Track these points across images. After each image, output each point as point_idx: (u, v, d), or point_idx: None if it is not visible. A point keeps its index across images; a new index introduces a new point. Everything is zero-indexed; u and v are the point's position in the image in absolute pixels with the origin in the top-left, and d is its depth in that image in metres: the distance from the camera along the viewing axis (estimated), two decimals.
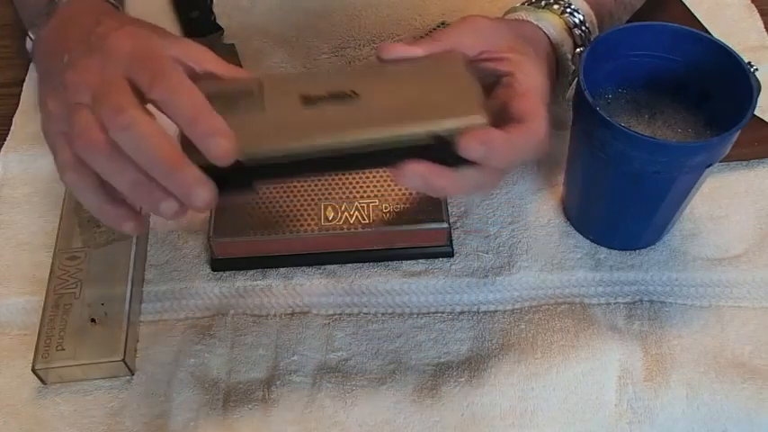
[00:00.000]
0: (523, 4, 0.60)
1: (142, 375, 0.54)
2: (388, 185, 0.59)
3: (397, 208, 0.58)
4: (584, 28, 0.58)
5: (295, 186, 0.59)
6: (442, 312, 0.57)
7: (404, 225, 0.58)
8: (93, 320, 0.54)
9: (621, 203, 0.57)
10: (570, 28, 0.57)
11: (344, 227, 0.57)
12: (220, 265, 0.59)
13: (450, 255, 0.59)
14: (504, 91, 0.49)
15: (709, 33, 0.63)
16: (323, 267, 0.59)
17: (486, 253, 0.60)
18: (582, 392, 0.53)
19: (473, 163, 0.45)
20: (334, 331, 0.56)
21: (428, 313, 0.57)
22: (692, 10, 0.73)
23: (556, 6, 0.58)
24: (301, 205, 0.58)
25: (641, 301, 0.57)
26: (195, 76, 0.46)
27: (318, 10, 0.76)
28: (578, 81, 0.52)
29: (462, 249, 0.60)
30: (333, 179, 0.60)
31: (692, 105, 0.56)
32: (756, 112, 0.55)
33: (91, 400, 0.53)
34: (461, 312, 0.57)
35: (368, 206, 0.58)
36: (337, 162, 0.45)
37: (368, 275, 0.58)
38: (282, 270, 0.59)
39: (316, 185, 0.59)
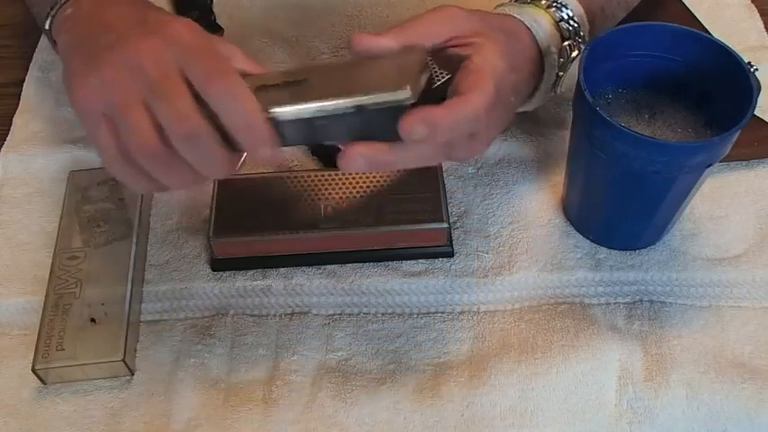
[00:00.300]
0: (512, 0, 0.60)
1: (142, 375, 0.54)
2: (389, 185, 0.59)
3: (397, 208, 0.58)
4: (572, 23, 0.57)
5: (295, 186, 0.59)
6: (442, 312, 0.57)
7: (404, 225, 0.58)
8: (93, 320, 0.54)
9: (621, 203, 0.57)
10: (557, 22, 0.57)
11: (344, 226, 0.57)
12: (220, 265, 0.59)
13: (451, 255, 0.59)
14: (458, 72, 0.50)
15: (709, 33, 0.63)
16: (323, 267, 0.59)
17: (486, 253, 0.60)
18: (582, 392, 0.53)
19: None
20: (334, 331, 0.56)
21: (428, 313, 0.57)
22: (692, 10, 0.73)
23: (543, 1, 0.58)
24: (301, 205, 0.58)
25: (641, 301, 0.57)
26: None
27: (318, 10, 0.76)
28: (578, 81, 0.52)
29: (462, 249, 0.60)
30: (332, 178, 0.60)
31: (692, 105, 0.56)
32: (756, 112, 0.55)
33: (91, 400, 0.53)
34: (461, 312, 0.57)
35: (368, 206, 0.58)
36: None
37: (368, 275, 0.58)
38: (282, 270, 0.59)
39: (315, 185, 0.59)
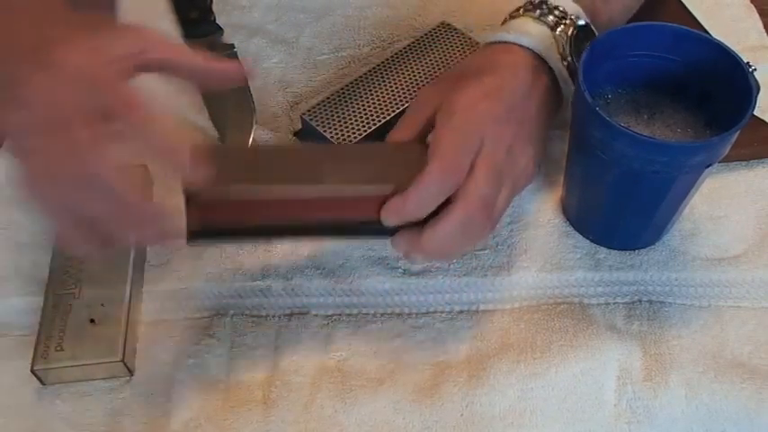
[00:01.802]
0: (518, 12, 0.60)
1: (141, 376, 0.54)
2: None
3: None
4: (556, 12, 0.57)
5: (286, 155, 0.53)
6: (441, 312, 0.57)
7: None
8: (92, 321, 0.54)
9: (621, 203, 0.57)
10: (537, 18, 0.57)
11: (344, 186, 0.51)
12: (196, 235, 0.51)
13: None
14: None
15: (709, 33, 0.63)
16: (322, 267, 0.59)
17: (486, 252, 0.60)
18: (581, 392, 0.53)
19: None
20: (334, 331, 0.56)
21: (427, 313, 0.57)
22: (692, 10, 0.73)
23: (537, 12, 0.57)
24: (293, 163, 0.52)
25: (640, 301, 0.57)
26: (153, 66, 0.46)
27: (318, 10, 0.76)
28: (578, 81, 0.52)
29: None
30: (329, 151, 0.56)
31: (692, 105, 0.56)
32: (756, 112, 0.55)
33: (90, 400, 0.53)
34: (460, 312, 0.57)
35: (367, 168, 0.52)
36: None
37: (367, 275, 0.58)
38: (282, 270, 0.59)
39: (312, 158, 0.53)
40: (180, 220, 0.47)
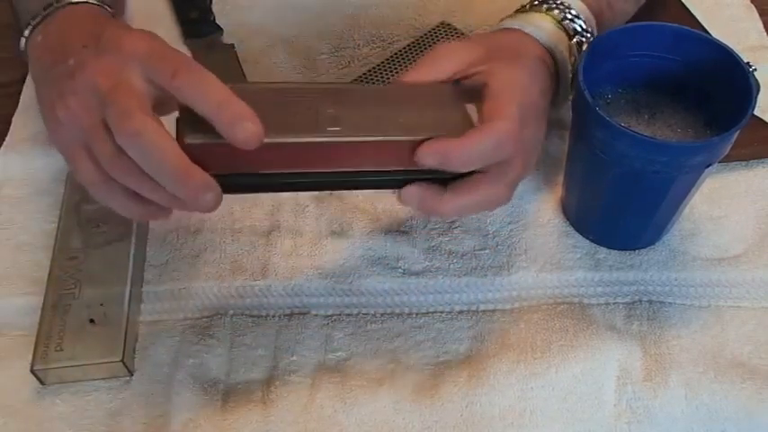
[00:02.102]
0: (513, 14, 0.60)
1: (141, 376, 0.54)
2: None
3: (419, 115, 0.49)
4: (577, 21, 0.58)
5: (291, 96, 0.49)
6: (441, 312, 0.57)
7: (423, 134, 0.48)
8: (92, 321, 0.54)
9: (621, 203, 0.57)
10: (560, 21, 0.57)
11: (353, 132, 0.47)
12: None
13: None
14: (483, 103, 0.51)
15: (709, 33, 0.63)
16: (322, 267, 0.59)
17: (486, 252, 0.60)
18: (581, 392, 0.53)
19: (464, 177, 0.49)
20: (334, 331, 0.56)
21: (427, 313, 0.57)
22: (692, 10, 0.73)
23: (544, 6, 0.58)
24: (297, 109, 0.48)
25: (640, 301, 0.57)
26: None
27: (318, 10, 0.76)
28: (578, 81, 0.52)
29: (461, 249, 0.60)
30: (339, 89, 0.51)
31: (692, 105, 0.56)
32: (756, 112, 0.55)
33: (90, 400, 0.53)
34: (460, 312, 0.57)
35: (384, 115, 0.49)
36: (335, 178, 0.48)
37: (367, 275, 0.58)
38: (282, 270, 0.59)
39: (317, 96, 0.49)
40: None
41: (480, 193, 0.50)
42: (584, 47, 0.58)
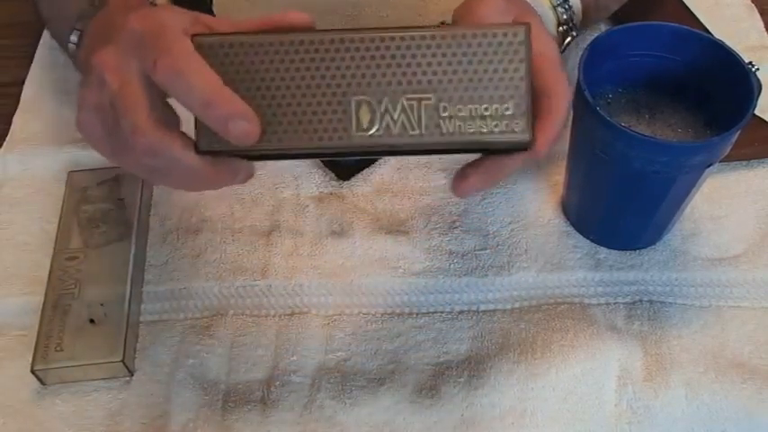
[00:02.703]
0: None
1: (141, 376, 0.54)
2: (451, 70, 0.42)
3: (460, 109, 0.42)
4: (566, 6, 0.57)
5: (312, 76, 0.42)
6: (442, 312, 0.57)
7: (470, 136, 0.42)
8: (92, 321, 0.54)
9: (621, 203, 0.57)
10: (554, 6, 0.57)
11: (384, 136, 0.42)
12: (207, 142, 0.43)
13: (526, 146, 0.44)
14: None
15: (709, 33, 0.63)
16: (322, 267, 0.59)
17: (486, 252, 0.60)
18: (581, 392, 0.53)
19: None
20: (334, 331, 0.56)
21: (427, 313, 0.57)
22: (692, 9, 0.73)
23: None
24: (321, 103, 0.42)
25: (641, 301, 0.57)
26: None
27: (318, 10, 0.76)
28: (578, 81, 0.52)
29: (461, 249, 0.60)
30: (367, 60, 0.42)
31: (692, 105, 0.56)
32: (756, 112, 0.55)
33: (90, 400, 0.53)
34: (461, 312, 0.57)
35: (419, 104, 0.42)
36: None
37: (367, 275, 0.58)
38: (282, 270, 0.59)
39: (342, 72, 0.42)
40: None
41: (516, 163, 0.46)
42: (567, 38, 0.57)
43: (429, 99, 0.42)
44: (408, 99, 0.42)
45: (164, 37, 0.40)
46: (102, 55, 0.42)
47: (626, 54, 0.57)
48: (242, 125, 0.40)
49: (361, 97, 0.42)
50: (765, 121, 0.64)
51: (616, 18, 0.71)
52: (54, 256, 0.57)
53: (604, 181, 0.56)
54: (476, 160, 0.45)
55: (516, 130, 0.42)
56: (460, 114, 0.42)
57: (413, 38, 0.41)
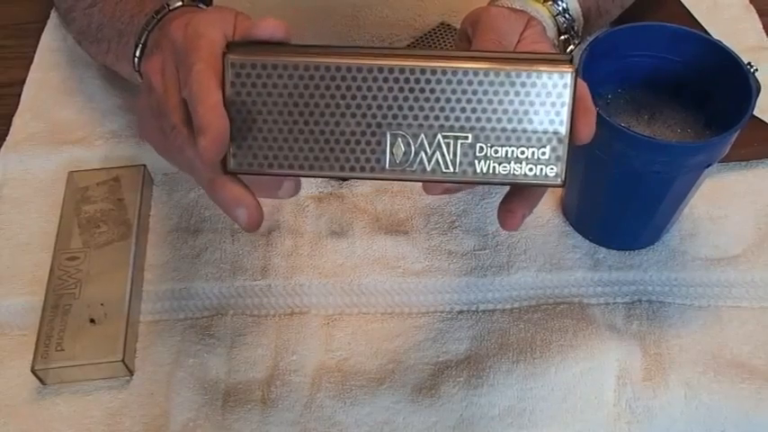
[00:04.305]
0: None
1: (141, 375, 0.54)
2: (491, 109, 0.41)
3: (496, 151, 0.41)
4: (567, 16, 0.57)
5: (348, 105, 0.41)
6: (441, 312, 0.57)
7: (503, 177, 0.42)
8: (92, 321, 0.54)
9: (621, 203, 0.57)
10: (554, 16, 0.57)
11: (417, 172, 0.41)
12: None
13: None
14: None
15: (709, 34, 0.63)
16: (322, 267, 0.59)
17: (486, 252, 0.60)
18: (580, 392, 0.53)
19: None
20: (334, 331, 0.56)
21: (427, 313, 0.57)
22: (691, 10, 0.73)
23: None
24: (356, 132, 0.41)
25: (640, 301, 0.57)
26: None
27: (318, 10, 0.76)
28: None
29: (461, 249, 0.60)
30: (406, 93, 0.41)
31: (692, 105, 0.57)
32: (756, 113, 0.55)
33: (90, 400, 0.53)
34: (460, 312, 0.57)
35: (455, 142, 0.41)
36: None
37: (367, 275, 0.59)
38: (282, 270, 0.59)
39: (379, 102, 0.41)
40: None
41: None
42: (570, 47, 0.57)
43: (466, 138, 0.41)
44: (445, 137, 0.41)
45: (194, 53, 0.41)
46: (150, 61, 0.45)
47: (626, 54, 0.57)
48: (211, 153, 0.40)
49: (397, 131, 0.41)
50: (764, 122, 0.65)
51: (616, 18, 0.71)
52: (54, 256, 0.58)
53: (604, 181, 0.56)
54: (514, 193, 0.45)
55: (550, 174, 0.41)
56: (496, 156, 0.41)
57: (455, 72, 0.40)
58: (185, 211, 0.62)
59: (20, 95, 0.70)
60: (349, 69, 0.40)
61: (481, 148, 0.41)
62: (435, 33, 0.70)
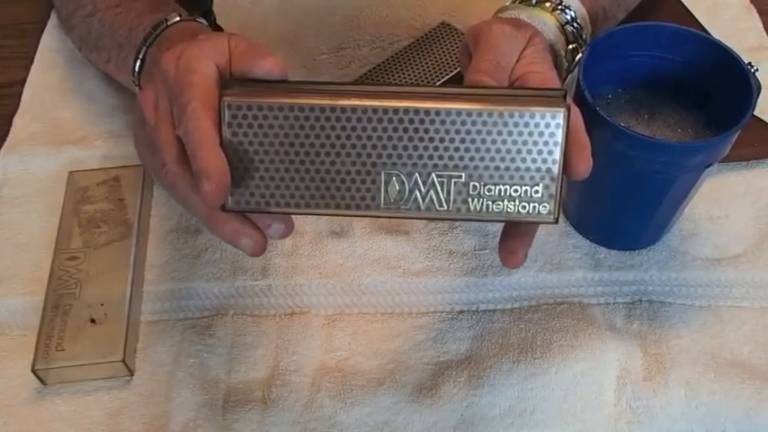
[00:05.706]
0: (514, 1, 0.59)
1: (142, 376, 0.54)
2: (484, 148, 0.41)
3: (489, 189, 0.42)
4: (575, 24, 0.57)
5: (342, 144, 0.41)
6: (442, 312, 0.57)
7: (497, 214, 0.43)
8: (92, 321, 0.54)
9: (621, 203, 0.57)
10: (562, 25, 0.57)
11: (412, 210, 0.42)
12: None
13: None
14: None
15: (709, 34, 0.63)
16: (321, 267, 0.59)
17: (486, 252, 0.60)
18: (581, 392, 0.53)
19: None
20: (334, 331, 0.56)
21: (427, 313, 0.57)
22: (692, 10, 0.73)
23: (547, 4, 0.58)
24: (350, 172, 0.42)
25: (640, 301, 0.57)
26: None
27: (318, 10, 0.77)
28: (578, 81, 0.52)
29: (461, 249, 0.60)
30: (400, 133, 0.41)
31: (692, 105, 0.57)
32: (756, 113, 0.55)
33: (90, 400, 0.53)
34: (461, 312, 0.57)
35: (449, 181, 0.42)
36: None
37: (367, 275, 0.59)
38: (282, 270, 0.59)
39: (374, 142, 0.41)
40: None
41: None
42: (579, 55, 0.57)
43: (460, 177, 0.42)
44: (439, 176, 0.42)
45: (188, 91, 0.41)
46: (144, 93, 0.45)
47: (626, 54, 0.57)
48: (205, 184, 0.39)
49: (392, 170, 0.42)
50: (764, 122, 0.65)
51: None
52: (54, 256, 0.58)
53: (604, 181, 0.56)
54: (510, 233, 0.46)
55: (543, 212, 0.42)
56: (489, 194, 0.42)
57: (448, 113, 0.41)
58: (185, 211, 0.62)
59: (20, 95, 0.70)
60: (344, 110, 0.41)
61: (474, 187, 0.42)
62: (435, 33, 0.70)
